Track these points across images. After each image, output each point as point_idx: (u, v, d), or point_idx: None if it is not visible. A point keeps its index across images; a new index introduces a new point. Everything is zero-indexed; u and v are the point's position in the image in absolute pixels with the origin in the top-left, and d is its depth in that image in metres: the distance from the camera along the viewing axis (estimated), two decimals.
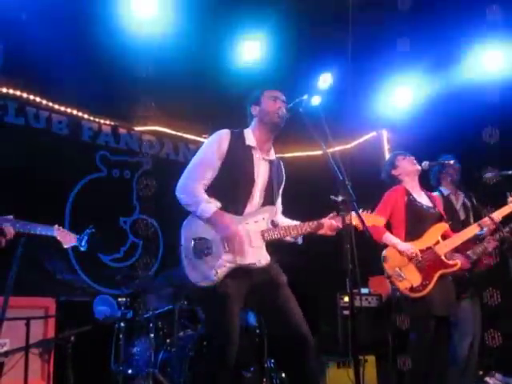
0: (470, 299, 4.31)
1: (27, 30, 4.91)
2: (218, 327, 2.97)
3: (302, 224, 3.14)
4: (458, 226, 4.20)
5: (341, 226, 2.86)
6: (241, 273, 2.96)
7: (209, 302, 3.00)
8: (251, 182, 3.09)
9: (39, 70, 5.26)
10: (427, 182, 4.29)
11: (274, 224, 3.08)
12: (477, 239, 4.25)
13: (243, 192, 3.07)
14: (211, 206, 2.99)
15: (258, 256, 2.99)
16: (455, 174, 4.53)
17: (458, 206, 4.48)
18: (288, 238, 3.17)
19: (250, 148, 3.15)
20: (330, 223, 3.09)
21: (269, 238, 3.03)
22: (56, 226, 3.56)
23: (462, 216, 4.42)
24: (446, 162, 4.40)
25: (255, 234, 3.02)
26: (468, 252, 4.20)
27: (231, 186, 3.06)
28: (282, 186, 3.33)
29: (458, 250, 4.16)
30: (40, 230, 3.45)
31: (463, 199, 4.55)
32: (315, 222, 3.09)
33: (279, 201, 3.32)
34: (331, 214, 3.11)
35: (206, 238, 2.98)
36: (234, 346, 2.92)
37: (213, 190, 3.07)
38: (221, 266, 2.93)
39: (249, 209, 3.06)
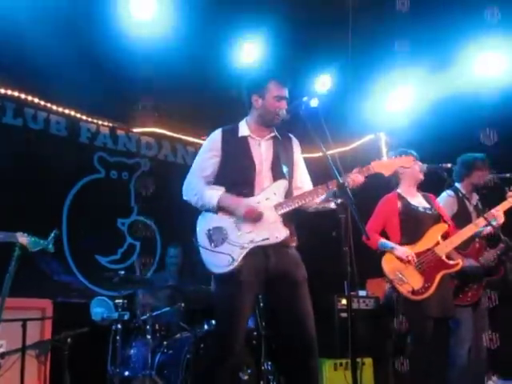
0: (473, 306, 4.28)
1: (25, 31, 4.90)
2: (226, 314, 2.97)
3: (319, 186, 3.08)
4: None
5: (362, 179, 2.97)
6: (257, 259, 2.96)
7: (221, 288, 3.00)
8: (253, 167, 3.09)
9: (37, 71, 5.25)
10: (425, 184, 4.27)
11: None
12: (487, 245, 4.25)
13: (248, 178, 3.08)
14: (214, 192, 3.03)
15: (274, 231, 2.99)
16: (481, 180, 4.45)
17: (471, 208, 4.46)
18: (320, 206, 3.13)
19: (244, 138, 3.17)
20: (354, 177, 3.01)
21: (283, 211, 3.00)
22: (19, 232, 3.57)
23: (474, 219, 4.39)
24: (444, 165, 4.38)
25: (268, 210, 3.01)
26: (480, 258, 4.20)
27: (236, 179, 3.09)
28: (298, 159, 3.27)
29: (469, 255, 4.16)
30: (2, 237, 3.48)
31: (476, 201, 4.52)
32: (333, 181, 2.97)
33: (300, 176, 3.25)
34: (356, 169, 3.06)
35: (219, 226, 3.01)
36: (240, 335, 2.93)
37: (220, 185, 3.11)
38: (236, 250, 2.94)
39: (258, 190, 3.07)
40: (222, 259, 2.93)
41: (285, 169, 3.12)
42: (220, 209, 3.03)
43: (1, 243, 3.48)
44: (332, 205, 3.09)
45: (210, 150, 3.18)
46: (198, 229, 3.06)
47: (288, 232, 3.01)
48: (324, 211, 3.18)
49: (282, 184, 3.09)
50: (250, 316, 3.09)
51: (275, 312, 3.10)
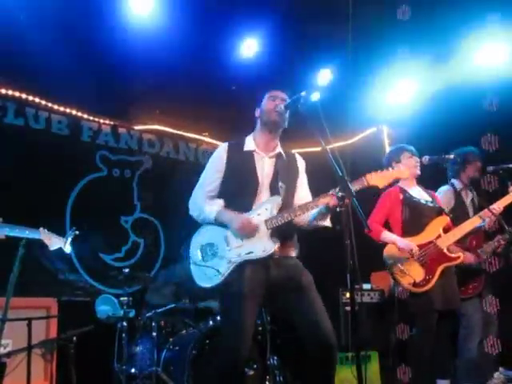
0: (478, 298, 4.28)
1: (26, 31, 4.90)
2: (230, 326, 3.00)
3: (310, 201, 3.08)
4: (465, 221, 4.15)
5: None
6: (254, 269, 2.99)
7: (223, 300, 3.08)
8: (255, 183, 3.14)
9: (38, 71, 5.25)
10: (427, 176, 4.27)
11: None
12: (485, 236, 4.24)
13: (250, 194, 3.12)
14: (213, 207, 3.12)
15: (261, 245, 3.01)
16: (477, 172, 4.47)
17: (468, 202, 4.46)
18: (315, 222, 3.12)
19: (249, 152, 3.22)
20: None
21: (272, 226, 3.02)
22: (41, 228, 3.63)
23: (471, 212, 4.39)
24: (446, 156, 4.37)
25: (259, 225, 3.03)
26: (478, 250, 4.19)
27: (237, 192, 3.14)
28: (302, 178, 3.29)
29: (468, 248, 4.16)
30: (28, 233, 3.53)
31: (473, 196, 4.52)
32: (323, 195, 2.99)
33: (300, 195, 3.24)
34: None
35: (211, 242, 3.10)
36: (245, 345, 2.94)
37: (223, 199, 3.18)
38: (223, 265, 3.01)
39: (255, 206, 3.11)
40: (208, 273, 3.03)
41: (281, 186, 3.13)
42: (218, 223, 3.11)
43: (21, 238, 3.52)
44: (326, 222, 3.14)
45: (215, 165, 3.25)
46: (192, 244, 3.16)
47: (277, 245, 3.02)
48: (318, 227, 3.18)
49: (275, 200, 3.10)
50: (254, 323, 3.06)
51: (289, 318, 3.07)
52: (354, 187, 2.93)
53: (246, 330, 2.94)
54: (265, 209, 3.08)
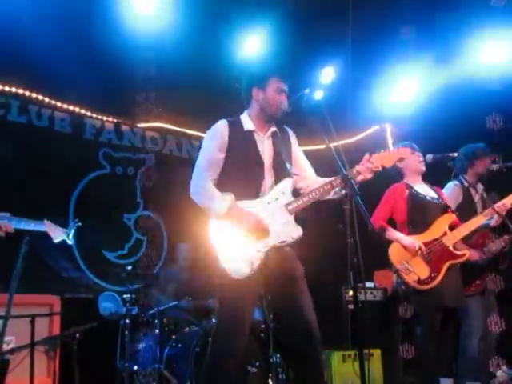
0: (480, 295, 4.27)
1: (29, 29, 4.91)
2: (229, 320, 2.94)
3: (328, 181, 3.05)
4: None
5: (379, 167, 2.98)
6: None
7: (226, 291, 2.96)
8: (260, 163, 3.07)
9: (41, 68, 5.26)
10: (431, 174, 4.26)
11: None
12: (492, 235, 4.23)
13: (255, 175, 3.04)
14: (225, 202, 2.95)
15: (289, 231, 2.97)
16: (485, 168, 4.43)
17: (477, 198, 4.44)
18: (329, 196, 3.08)
19: (250, 132, 3.14)
20: (365, 167, 3.01)
21: (295, 210, 2.99)
22: (45, 220, 3.65)
23: (479, 209, 4.37)
24: (450, 155, 4.35)
25: (280, 210, 2.99)
26: (484, 249, 4.18)
27: (242, 173, 3.04)
28: (297, 151, 3.24)
29: (473, 245, 4.14)
30: (33, 225, 3.56)
31: (482, 192, 4.50)
32: (335, 178, 2.99)
33: (303, 166, 3.23)
34: (366, 156, 3.05)
35: (233, 230, 2.95)
36: (243, 339, 2.92)
37: (225, 181, 3.06)
38: (253, 254, 2.91)
39: (264, 189, 3.04)
40: (241, 263, 2.89)
41: (288, 166, 3.09)
42: (224, 217, 2.96)
43: (33, 231, 3.56)
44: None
45: (217, 143, 3.08)
46: (210, 232, 2.97)
47: (301, 231, 2.98)
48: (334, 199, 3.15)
49: (289, 183, 3.07)
50: (252, 314, 3.05)
51: (277, 308, 3.09)
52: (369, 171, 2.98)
53: (245, 324, 2.92)
54: (281, 192, 3.03)
